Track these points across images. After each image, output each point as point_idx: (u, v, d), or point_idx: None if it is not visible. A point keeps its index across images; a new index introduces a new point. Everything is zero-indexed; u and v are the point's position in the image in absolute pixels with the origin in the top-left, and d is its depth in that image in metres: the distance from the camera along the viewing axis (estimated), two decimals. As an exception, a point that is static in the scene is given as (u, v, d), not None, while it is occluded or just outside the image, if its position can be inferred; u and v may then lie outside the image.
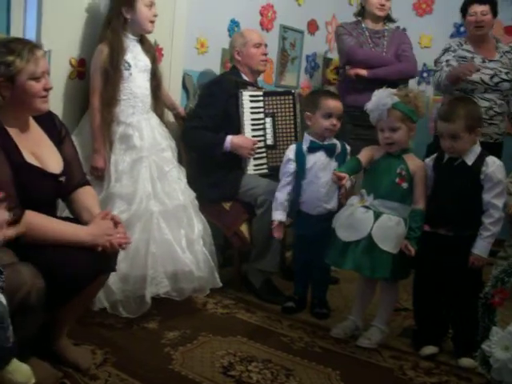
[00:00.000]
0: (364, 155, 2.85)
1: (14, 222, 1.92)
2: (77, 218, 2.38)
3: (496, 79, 3.65)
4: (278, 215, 3.07)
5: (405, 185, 2.72)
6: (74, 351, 2.48)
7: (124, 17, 3.02)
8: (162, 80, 3.29)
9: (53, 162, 2.31)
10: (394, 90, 2.76)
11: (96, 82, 2.98)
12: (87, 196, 2.45)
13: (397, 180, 2.72)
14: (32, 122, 2.33)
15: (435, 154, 2.77)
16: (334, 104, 3.03)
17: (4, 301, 1.65)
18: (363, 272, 2.80)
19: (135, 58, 3.08)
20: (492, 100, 3.65)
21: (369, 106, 2.79)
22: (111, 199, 2.93)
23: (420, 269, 2.78)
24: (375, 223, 2.70)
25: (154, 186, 3.02)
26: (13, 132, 2.19)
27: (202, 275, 3.02)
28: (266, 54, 3.62)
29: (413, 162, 2.75)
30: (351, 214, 2.77)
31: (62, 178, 2.32)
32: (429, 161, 2.78)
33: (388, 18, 4.15)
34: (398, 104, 2.71)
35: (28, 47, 2.16)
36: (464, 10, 3.77)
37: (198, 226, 3.12)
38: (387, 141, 2.74)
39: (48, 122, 2.42)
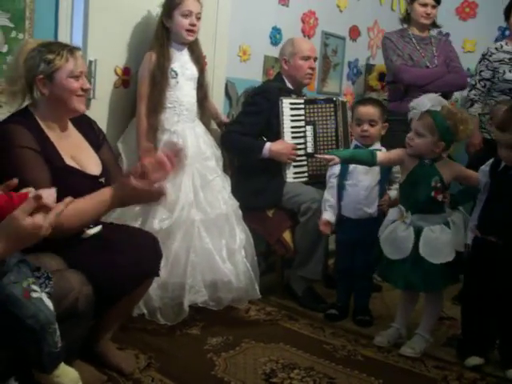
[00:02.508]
0: (391, 154, 2.84)
1: None
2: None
3: None
4: (327, 215, 3.09)
5: (440, 196, 2.68)
6: (118, 355, 2.52)
7: (166, 26, 3.06)
8: (209, 90, 3.32)
9: (92, 164, 2.35)
10: (444, 100, 2.73)
11: (143, 89, 3.02)
12: None
13: (432, 194, 2.68)
14: (71, 126, 2.38)
15: (491, 160, 2.69)
16: (362, 110, 3.06)
17: (51, 306, 1.67)
18: (417, 289, 2.79)
19: (182, 66, 3.10)
20: None
21: (412, 102, 2.76)
22: (153, 206, 2.93)
23: (469, 276, 2.74)
24: (420, 239, 2.67)
25: (197, 195, 3.02)
26: (53, 136, 2.23)
27: (241, 286, 3.01)
28: (313, 69, 3.60)
29: (447, 169, 2.71)
30: (393, 231, 2.75)
31: (102, 179, 2.35)
32: (484, 167, 2.70)
33: (434, 25, 4.13)
34: (436, 113, 2.64)
35: (68, 48, 2.23)
36: (508, 12, 3.76)
37: (240, 235, 3.11)
38: (408, 141, 2.71)
39: (87, 127, 2.47)
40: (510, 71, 3.74)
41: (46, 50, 2.19)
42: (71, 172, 2.22)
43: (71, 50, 2.24)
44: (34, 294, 1.64)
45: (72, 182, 2.17)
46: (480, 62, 3.96)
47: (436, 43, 4.07)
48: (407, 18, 4.13)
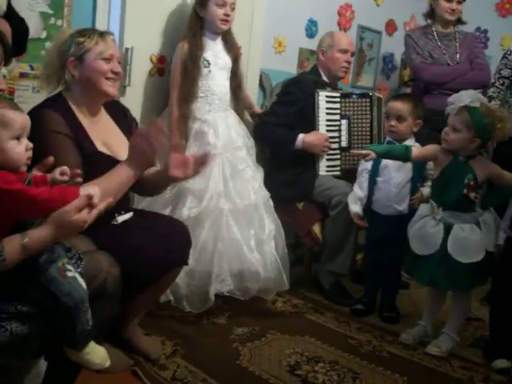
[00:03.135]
0: (425, 149, 2.81)
1: None
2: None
3: None
4: (355, 207, 3.09)
5: (473, 195, 2.64)
6: (145, 341, 2.55)
7: (199, 15, 3.07)
8: (243, 79, 3.32)
9: (123, 150, 2.32)
10: (483, 98, 2.70)
11: (175, 78, 3.03)
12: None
13: (465, 191, 2.64)
14: (103, 112, 2.40)
15: None
16: (391, 105, 3.07)
17: (84, 285, 1.71)
18: (440, 286, 2.76)
19: (215, 55, 3.11)
20: None
21: (451, 97, 2.72)
22: (182, 195, 2.96)
23: (500, 277, 2.71)
24: (449, 236, 2.65)
25: (226, 184, 3.03)
26: (85, 121, 2.25)
27: (269, 276, 3.01)
28: (349, 62, 3.59)
29: (481, 167, 2.67)
30: (422, 227, 2.73)
31: None
32: None
33: (459, 21, 4.05)
34: (473, 110, 2.60)
35: (99, 32, 2.28)
36: None
37: (270, 226, 3.11)
38: (444, 136, 2.67)
39: (120, 114, 2.49)
40: None
41: (78, 34, 2.24)
42: (102, 158, 2.24)
43: (102, 33, 2.28)
44: (69, 274, 1.68)
45: (103, 168, 2.16)
46: (501, 60, 3.90)
47: (460, 39, 4.01)
48: (431, 14, 4.07)
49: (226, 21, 3.07)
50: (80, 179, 1.78)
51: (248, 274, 2.96)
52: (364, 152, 2.84)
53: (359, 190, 3.12)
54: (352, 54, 3.62)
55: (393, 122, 3.02)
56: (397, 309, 3.19)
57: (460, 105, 2.61)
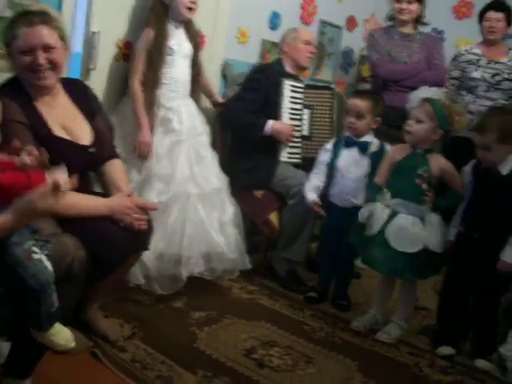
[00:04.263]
0: (383, 170, 2.89)
1: None
2: (106, 193, 2.46)
3: (498, 78, 3.82)
4: (311, 195, 3.14)
5: (425, 186, 2.76)
6: (104, 323, 2.59)
7: (164, 3, 3.09)
8: (202, 67, 3.36)
9: (82, 133, 2.34)
10: (441, 94, 2.83)
11: (139, 64, 3.04)
12: (116, 170, 2.50)
13: (418, 181, 2.76)
14: (62, 94, 2.34)
15: (474, 161, 2.78)
16: (351, 102, 3.14)
17: (50, 268, 1.73)
18: (373, 266, 2.88)
19: (179, 44, 3.15)
20: (495, 99, 3.80)
21: (412, 93, 2.86)
22: (150, 180, 3.00)
23: (450, 270, 2.83)
24: (391, 222, 2.76)
25: (192, 169, 3.09)
26: (41, 106, 2.21)
27: (233, 257, 3.11)
28: (312, 53, 3.71)
29: (436, 162, 2.78)
30: (372, 210, 2.83)
31: (92, 149, 2.36)
32: (467, 167, 2.80)
33: (418, 21, 4.17)
34: (435, 102, 2.75)
35: (24, 18, 2.12)
36: (481, 16, 3.95)
37: (230, 209, 3.21)
38: (407, 128, 2.78)
39: (80, 94, 2.43)
40: (475, 70, 3.86)
41: (9, 25, 2.15)
42: (60, 143, 2.21)
43: (28, 21, 2.11)
44: (35, 256, 1.69)
45: (61, 153, 2.11)
46: (451, 62, 4.07)
47: (421, 40, 4.13)
48: (393, 16, 4.19)
49: (192, 9, 3.10)
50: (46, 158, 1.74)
51: (214, 255, 3.05)
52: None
53: (316, 179, 3.18)
54: (315, 47, 3.73)
55: (352, 119, 3.09)
56: (348, 297, 3.28)
57: (422, 97, 2.74)
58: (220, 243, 3.06)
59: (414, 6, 4.04)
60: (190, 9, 3.10)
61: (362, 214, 2.86)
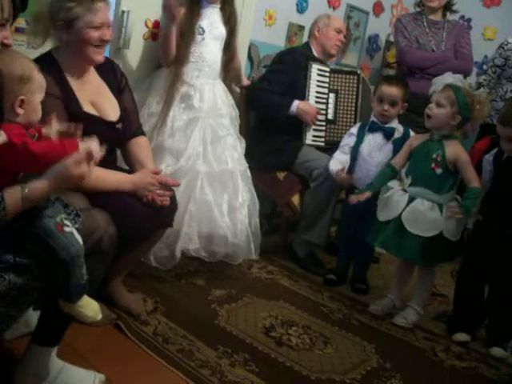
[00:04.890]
0: (401, 154, 2.93)
1: None
2: (131, 170, 2.52)
3: None
4: (336, 166, 3.17)
5: (439, 170, 2.76)
6: (128, 297, 2.64)
7: None
8: (237, 53, 3.37)
9: (110, 110, 2.42)
10: (465, 81, 2.84)
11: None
12: (141, 148, 2.57)
13: (432, 165, 2.77)
14: (92, 71, 2.42)
15: (495, 150, 2.79)
16: (386, 90, 3.10)
17: (81, 241, 1.76)
18: (390, 250, 2.89)
19: (211, 25, 3.16)
20: None
21: (435, 79, 2.88)
22: (162, 153, 3.00)
23: (468, 258, 2.85)
24: (407, 206, 2.78)
25: (205, 148, 3.08)
26: (72, 81, 2.29)
27: (236, 242, 3.07)
28: (342, 42, 3.75)
29: (452, 148, 2.77)
30: (390, 196, 2.85)
31: (119, 125, 2.43)
32: (489, 156, 2.81)
33: (448, 9, 4.15)
34: (457, 88, 2.76)
35: None
36: None
37: (244, 195, 3.16)
38: (427, 111, 2.79)
39: (109, 72, 2.51)
40: None
41: None
42: (88, 118, 2.27)
43: (93, 0, 2.24)
44: (67, 229, 1.73)
45: (89, 128, 2.14)
46: (497, 49, 4.06)
47: (449, 28, 4.12)
48: (422, 2, 4.18)
49: None
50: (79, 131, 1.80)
51: (216, 237, 3.02)
52: (364, 196, 2.91)
53: (341, 155, 3.21)
54: (344, 36, 3.75)
55: (386, 107, 3.09)
56: (367, 281, 3.33)
57: (444, 83, 2.77)
58: (224, 226, 3.02)
59: None
60: None
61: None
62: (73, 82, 2.29)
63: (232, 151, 3.19)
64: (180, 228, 2.92)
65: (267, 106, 3.51)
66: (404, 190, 2.83)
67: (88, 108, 2.31)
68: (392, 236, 2.80)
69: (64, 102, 2.20)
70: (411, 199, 2.79)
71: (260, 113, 3.65)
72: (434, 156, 2.77)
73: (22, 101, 1.66)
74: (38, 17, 2.27)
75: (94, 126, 2.24)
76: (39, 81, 1.71)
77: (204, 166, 3.04)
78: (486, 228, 2.75)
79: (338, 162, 3.21)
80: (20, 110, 1.66)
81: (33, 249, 1.69)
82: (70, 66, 2.29)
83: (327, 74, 3.63)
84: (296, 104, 3.47)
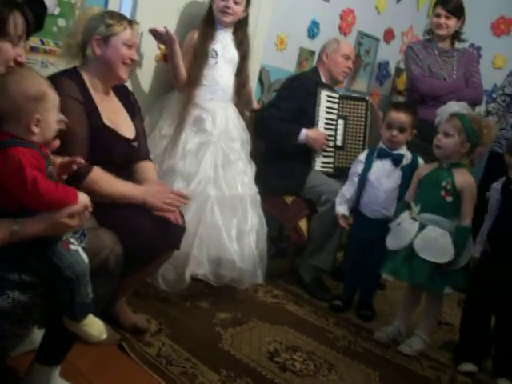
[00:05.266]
0: (412, 186, 2.94)
1: (79, 177, 2.10)
2: None
3: None
4: (342, 209, 3.17)
5: (449, 198, 2.76)
6: (132, 316, 2.64)
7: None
8: (248, 79, 3.40)
9: (127, 129, 2.48)
10: (469, 108, 2.85)
11: (184, 63, 3.11)
12: (149, 169, 2.61)
13: (442, 193, 2.77)
14: (112, 94, 2.50)
15: (503, 178, 2.78)
16: (394, 116, 3.10)
17: (86, 260, 1.77)
18: (401, 276, 2.86)
19: (224, 48, 3.20)
20: None
21: (439, 109, 2.90)
22: (173, 176, 3.01)
23: (474, 287, 2.82)
24: (419, 234, 2.77)
25: (216, 172, 3.09)
26: (95, 96, 2.35)
27: (244, 267, 3.06)
28: (350, 69, 3.78)
29: (462, 177, 2.77)
30: (399, 224, 2.86)
31: (135, 143, 2.49)
32: (496, 184, 2.81)
33: (456, 37, 4.18)
34: (463, 116, 2.77)
35: (128, 19, 2.43)
36: None
37: (253, 220, 3.17)
38: (436, 142, 2.80)
39: (125, 97, 2.59)
40: None
41: (108, 15, 2.36)
42: (108, 131, 2.34)
43: (131, 22, 2.42)
44: (72, 247, 1.74)
45: (107, 141, 2.32)
46: (506, 77, 4.07)
47: (459, 57, 4.14)
48: (431, 30, 4.21)
49: (226, 13, 3.14)
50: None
51: (224, 261, 3.02)
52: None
53: (347, 192, 3.21)
54: (353, 62, 3.77)
55: (395, 133, 3.09)
56: (373, 307, 3.31)
57: (449, 112, 2.78)
58: (232, 251, 3.02)
59: (452, 22, 4.05)
60: (224, 13, 3.14)
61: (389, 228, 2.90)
62: (95, 96, 2.36)
63: (242, 176, 3.21)
64: (190, 251, 2.92)
65: (276, 134, 3.52)
66: (413, 219, 2.83)
67: (107, 122, 2.36)
68: (402, 263, 2.79)
69: (86, 110, 2.25)
70: (421, 227, 2.78)
71: (269, 141, 3.65)
72: (444, 184, 2.76)
73: (38, 120, 1.67)
74: (75, 31, 2.38)
75: (112, 139, 2.35)
76: (53, 98, 1.73)
77: (214, 190, 3.05)
78: (493, 257, 2.74)
79: (344, 201, 3.20)
80: (36, 129, 1.67)
81: (38, 266, 1.70)
82: (95, 81, 2.38)
83: (336, 101, 3.64)
84: (305, 132, 3.47)
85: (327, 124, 3.60)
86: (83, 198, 1.71)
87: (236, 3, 3.14)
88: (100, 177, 2.23)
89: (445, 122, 2.80)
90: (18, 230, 1.60)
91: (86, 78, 2.35)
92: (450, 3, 4.03)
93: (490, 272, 2.73)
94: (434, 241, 2.74)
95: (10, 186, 1.60)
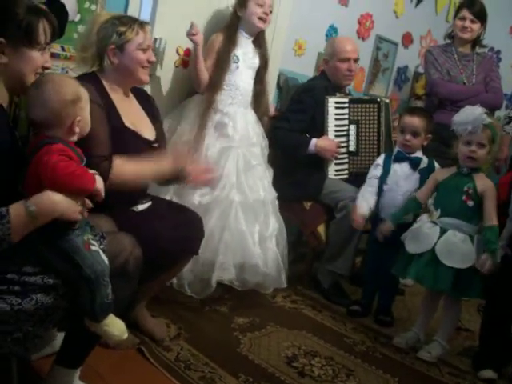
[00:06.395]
0: (427, 187, 2.93)
1: (103, 176, 2.08)
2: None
3: None
4: (362, 209, 3.15)
5: (470, 203, 2.76)
6: (151, 322, 2.65)
7: (237, 15, 3.19)
8: (267, 87, 3.42)
9: (148, 130, 2.49)
10: (491, 114, 2.85)
11: (207, 65, 3.14)
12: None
13: (463, 197, 2.77)
14: (132, 97, 2.52)
15: None
16: (407, 120, 3.12)
17: (106, 260, 1.80)
18: (424, 283, 2.85)
19: (245, 54, 3.23)
20: None
21: (461, 118, 2.82)
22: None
23: (495, 292, 2.79)
24: (440, 238, 2.76)
25: (239, 177, 3.11)
26: (115, 99, 2.37)
27: (267, 272, 3.08)
28: (351, 70, 3.63)
29: (481, 182, 2.78)
30: (419, 227, 2.85)
31: (156, 145, 2.50)
32: None
33: (477, 42, 4.15)
34: (493, 127, 2.78)
35: (138, 22, 2.40)
36: None
37: (274, 224, 3.18)
38: (472, 154, 2.77)
39: (144, 100, 2.61)
40: None
41: (118, 22, 2.35)
42: (128, 133, 2.36)
43: (141, 24, 2.40)
44: (93, 247, 1.78)
45: (128, 143, 2.34)
46: None
47: (479, 61, 4.11)
48: (451, 34, 4.19)
49: (264, 20, 3.19)
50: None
51: (249, 266, 3.03)
52: (386, 229, 2.97)
53: (369, 194, 3.18)
54: (356, 60, 3.64)
55: (408, 137, 3.10)
56: (392, 313, 3.29)
57: (482, 123, 2.74)
58: (256, 256, 3.03)
59: (477, 26, 4.03)
60: (262, 19, 3.18)
61: (408, 232, 2.88)
62: (115, 99, 2.37)
63: (263, 180, 3.23)
64: (215, 257, 2.95)
65: (286, 145, 3.52)
66: (433, 222, 2.81)
67: (128, 124, 2.38)
68: (426, 269, 2.78)
69: (106, 113, 2.26)
70: (443, 231, 2.77)
71: (280, 152, 3.62)
72: (466, 189, 2.76)
73: (78, 120, 1.78)
74: (86, 43, 2.38)
75: (133, 140, 2.37)
76: (85, 95, 1.83)
77: (238, 196, 3.07)
78: (514, 262, 2.71)
79: (366, 203, 3.17)
80: (77, 129, 1.78)
81: (60, 265, 1.73)
82: (115, 86, 2.40)
83: (346, 105, 3.58)
84: (314, 142, 3.46)
85: (338, 131, 3.56)
86: (99, 183, 1.79)
87: (270, 12, 3.21)
88: (122, 168, 2.23)
89: (480, 133, 2.76)
90: (34, 210, 1.63)
91: (104, 82, 2.38)
92: (476, 6, 4.01)
93: (510, 277, 2.71)
94: (455, 246, 2.73)
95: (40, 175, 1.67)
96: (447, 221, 2.78)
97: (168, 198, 2.91)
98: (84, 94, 1.82)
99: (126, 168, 2.24)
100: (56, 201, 1.67)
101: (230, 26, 3.20)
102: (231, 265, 3.00)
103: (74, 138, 1.79)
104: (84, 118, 1.82)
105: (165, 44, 3.15)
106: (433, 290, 2.93)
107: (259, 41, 3.30)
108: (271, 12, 3.21)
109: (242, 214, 3.06)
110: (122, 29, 2.33)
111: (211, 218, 3.00)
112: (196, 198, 2.98)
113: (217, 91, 3.14)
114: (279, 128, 3.50)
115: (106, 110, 2.26)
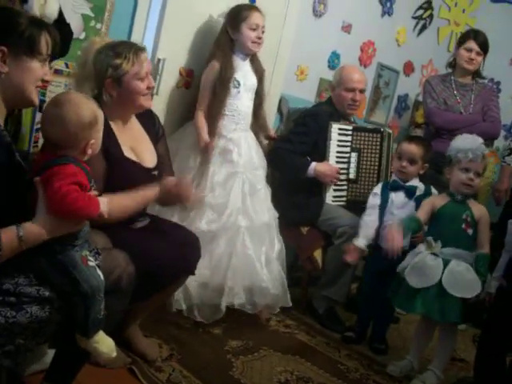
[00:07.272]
0: (425, 209, 2.91)
1: None
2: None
3: None
4: (360, 242, 3.12)
5: (470, 231, 2.77)
6: (143, 341, 2.63)
7: (230, 37, 3.20)
8: (264, 100, 3.42)
9: (148, 157, 2.48)
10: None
11: (204, 96, 3.15)
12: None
13: (463, 226, 2.77)
14: (133, 119, 2.51)
15: None
16: (405, 147, 3.14)
17: (102, 276, 1.81)
18: (433, 316, 2.81)
19: (245, 76, 3.24)
20: None
21: (461, 144, 2.83)
22: (202, 208, 3.03)
23: (490, 323, 2.78)
24: (445, 270, 2.74)
25: (244, 202, 3.14)
26: (115, 127, 2.36)
27: (275, 293, 3.11)
28: (355, 100, 3.63)
29: (477, 208, 2.81)
30: (421, 261, 2.81)
31: (155, 172, 2.48)
32: None
33: (477, 74, 4.18)
34: (487, 156, 2.84)
35: (133, 50, 2.33)
36: None
37: (278, 245, 3.22)
38: (471, 182, 2.78)
39: (149, 121, 2.60)
40: None
41: (113, 53, 2.30)
42: (128, 163, 2.35)
43: (136, 52, 2.33)
44: (90, 263, 1.79)
45: (128, 172, 2.33)
46: None
47: (478, 90, 4.13)
48: (453, 64, 4.21)
49: (258, 43, 3.21)
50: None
51: (258, 289, 3.06)
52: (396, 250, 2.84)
53: (373, 224, 3.16)
54: (362, 91, 3.66)
55: (404, 163, 3.11)
56: (386, 341, 3.27)
57: (482, 153, 2.78)
58: (264, 278, 3.06)
59: (481, 58, 4.07)
60: (256, 43, 3.20)
61: (409, 265, 2.86)
62: (115, 127, 2.36)
63: (266, 202, 3.26)
64: (224, 283, 2.97)
65: (286, 166, 3.52)
66: (434, 254, 2.80)
67: (128, 153, 2.38)
68: (433, 302, 2.75)
69: (106, 146, 2.21)
70: (445, 262, 2.76)
71: (280, 173, 3.63)
72: (464, 217, 2.77)
73: (92, 143, 1.79)
74: (82, 76, 2.39)
75: (132, 170, 2.36)
76: (101, 117, 1.84)
77: (245, 221, 3.10)
78: (509, 293, 2.69)
79: (367, 235, 3.14)
80: (90, 151, 1.80)
81: (57, 279, 1.73)
82: (115, 114, 2.37)
83: (349, 133, 3.59)
84: (313, 166, 3.46)
85: (339, 157, 3.56)
86: (103, 206, 1.80)
87: (263, 32, 3.22)
88: (110, 206, 2.20)
89: (479, 163, 2.79)
90: (24, 235, 1.64)
91: (104, 108, 2.27)
92: (481, 37, 4.03)
93: (506, 308, 2.69)
94: (460, 276, 2.72)
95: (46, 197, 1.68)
96: (448, 251, 2.77)
97: None
98: (100, 116, 1.83)
99: (113, 206, 2.15)
100: (46, 232, 1.69)
101: (222, 50, 3.18)
102: (241, 289, 3.02)
103: (85, 158, 1.80)
104: (97, 139, 1.83)
105: (167, 65, 3.16)
106: (440, 322, 2.90)
107: (253, 57, 3.32)
108: (263, 32, 3.21)
109: (248, 239, 3.09)
110: (118, 61, 2.29)
111: (218, 244, 3.03)
112: (203, 225, 3.01)
113: (217, 119, 3.15)
114: (281, 148, 3.51)
115: (105, 141, 2.17)
